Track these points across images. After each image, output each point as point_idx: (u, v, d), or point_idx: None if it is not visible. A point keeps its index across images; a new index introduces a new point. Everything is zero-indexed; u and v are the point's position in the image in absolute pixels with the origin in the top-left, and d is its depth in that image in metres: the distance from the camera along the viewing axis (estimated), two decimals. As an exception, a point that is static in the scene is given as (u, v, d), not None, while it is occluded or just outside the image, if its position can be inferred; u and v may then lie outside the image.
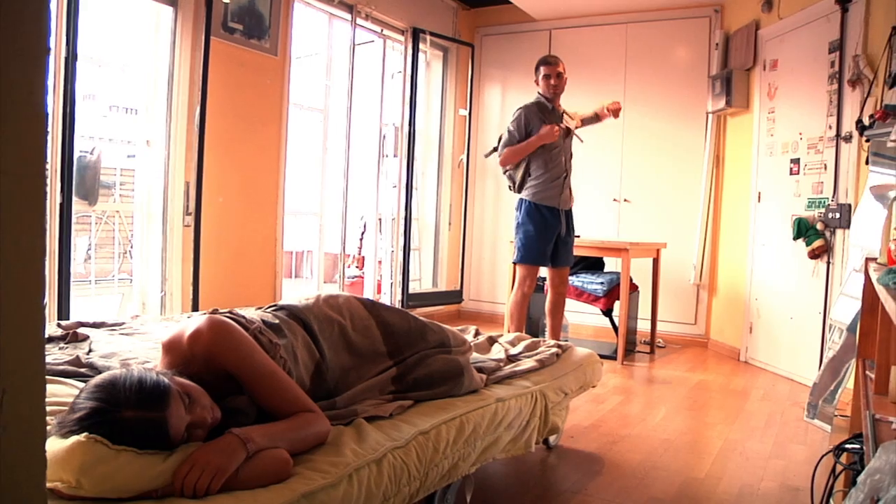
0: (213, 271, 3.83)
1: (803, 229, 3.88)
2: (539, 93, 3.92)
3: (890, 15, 3.24)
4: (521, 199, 3.90)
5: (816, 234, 3.80)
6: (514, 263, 3.97)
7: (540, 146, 3.80)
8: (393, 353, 1.89)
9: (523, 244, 3.88)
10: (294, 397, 1.45)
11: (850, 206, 3.57)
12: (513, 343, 2.65)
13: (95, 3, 3.45)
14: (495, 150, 4.00)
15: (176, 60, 3.71)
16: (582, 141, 3.98)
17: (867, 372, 2.04)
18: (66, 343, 2.10)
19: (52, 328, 2.24)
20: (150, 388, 1.20)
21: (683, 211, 5.17)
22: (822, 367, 3.16)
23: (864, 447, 1.47)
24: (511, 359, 2.39)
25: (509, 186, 4.03)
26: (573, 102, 5.61)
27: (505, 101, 5.97)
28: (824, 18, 3.90)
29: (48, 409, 1.34)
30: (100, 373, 1.53)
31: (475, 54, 5.95)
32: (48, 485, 1.06)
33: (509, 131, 3.86)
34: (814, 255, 3.82)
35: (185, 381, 1.29)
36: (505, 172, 4.02)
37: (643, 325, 4.90)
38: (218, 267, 3.88)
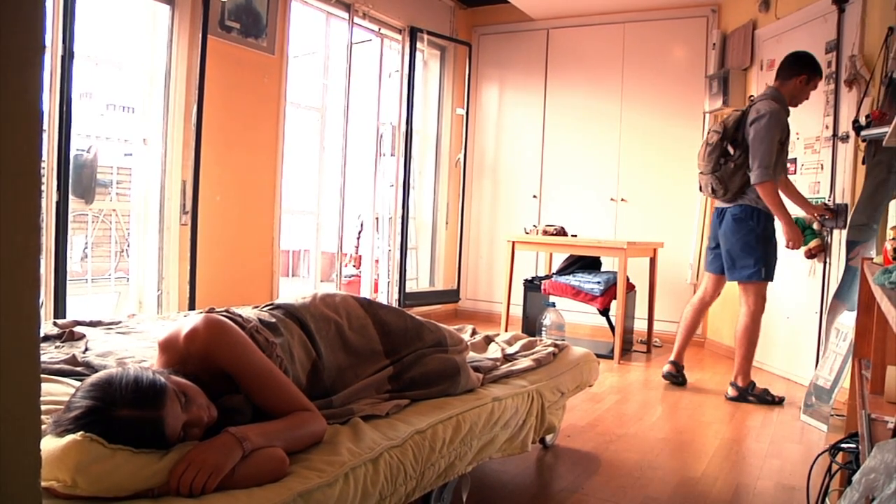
0: (210, 270, 3.83)
1: (800, 229, 3.88)
2: (783, 97, 3.42)
3: (886, 15, 3.24)
4: (753, 208, 3.44)
5: (813, 233, 3.80)
6: (759, 281, 3.48)
7: (779, 149, 3.36)
8: (389, 352, 1.88)
9: (768, 258, 3.46)
10: (290, 396, 1.45)
11: (846, 205, 3.58)
12: (509, 342, 2.65)
13: (92, 1, 3.44)
14: (727, 152, 3.45)
15: (173, 59, 3.70)
16: None
17: (863, 371, 2.05)
18: (62, 342, 2.10)
19: (48, 327, 2.23)
20: (146, 386, 1.20)
21: (680, 210, 5.17)
22: (830, 366, 3.16)
23: (860, 446, 1.47)
24: (508, 358, 2.39)
25: (713, 190, 3.52)
26: (571, 103, 5.63)
27: (502, 100, 5.97)
28: (821, 19, 3.90)
29: (44, 407, 1.34)
30: (96, 372, 1.53)
31: (472, 53, 5.95)
32: (44, 484, 1.06)
33: (763, 140, 3.30)
34: (810, 254, 3.83)
35: (182, 380, 1.29)
36: (714, 172, 3.48)
37: (640, 325, 4.91)
38: (215, 266, 3.87)
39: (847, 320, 3.07)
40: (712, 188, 3.54)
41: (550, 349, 2.51)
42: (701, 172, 3.62)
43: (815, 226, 3.78)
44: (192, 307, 3.64)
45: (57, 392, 1.54)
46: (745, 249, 3.49)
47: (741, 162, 3.42)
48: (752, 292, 3.52)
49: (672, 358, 3.89)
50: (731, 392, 3.59)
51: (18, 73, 0.62)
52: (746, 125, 3.41)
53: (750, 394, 3.56)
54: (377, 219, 5.48)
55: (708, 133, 3.60)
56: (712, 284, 3.81)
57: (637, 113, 5.35)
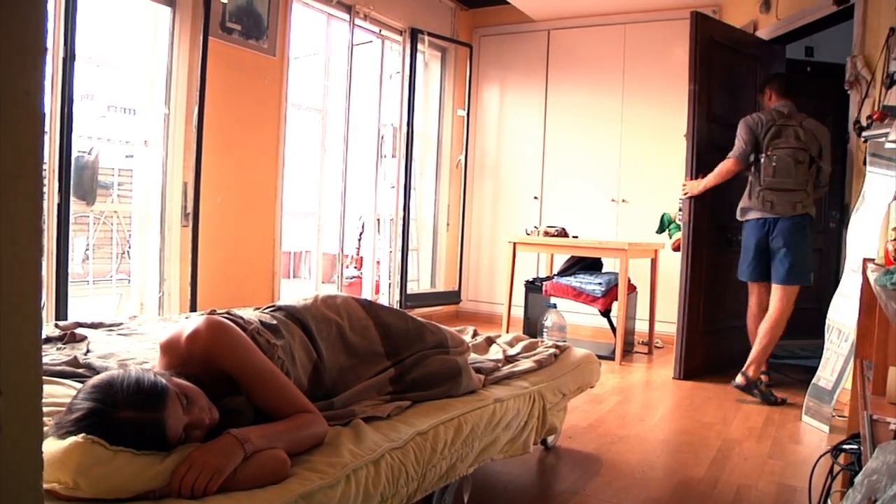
0: (212, 272, 3.83)
1: (665, 223, 4.09)
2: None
3: (888, 16, 3.24)
4: (811, 216, 3.65)
5: (678, 227, 4.13)
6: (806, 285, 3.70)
7: None
8: (391, 353, 1.88)
9: (810, 261, 3.73)
10: (292, 398, 1.45)
11: (847, 206, 3.57)
12: (511, 343, 2.65)
13: (93, 3, 3.44)
14: (819, 169, 3.64)
15: (174, 60, 3.71)
16: None
17: (865, 372, 2.05)
18: (63, 343, 2.10)
19: (49, 328, 2.23)
20: (147, 388, 1.20)
21: (681, 211, 5.17)
22: (832, 367, 3.16)
23: (862, 448, 1.47)
24: (509, 359, 2.39)
25: (803, 205, 3.58)
26: (572, 104, 5.63)
27: (503, 101, 5.98)
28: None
29: (45, 409, 1.34)
30: (97, 373, 1.53)
31: (473, 55, 5.95)
32: (45, 486, 1.06)
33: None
34: (676, 248, 4.14)
35: (183, 382, 1.29)
36: (806, 188, 3.59)
37: (641, 326, 4.90)
38: (216, 267, 3.88)
39: (849, 321, 3.07)
40: (802, 203, 3.57)
41: (552, 350, 2.50)
42: (785, 189, 3.58)
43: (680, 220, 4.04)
44: (193, 309, 3.64)
45: (58, 394, 1.54)
46: (809, 255, 3.67)
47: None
48: (793, 294, 3.64)
49: (752, 370, 3.71)
50: (740, 380, 3.62)
51: (20, 75, 0.62)
52: (822, 144, 3.61)
53: (756, 388, 3.59)
54: (378, 220, 5.48)
55: (788, 149, 3.58)
56: (765, 290, 3.80)
57: (638, 114, 5.35)
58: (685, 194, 4.00)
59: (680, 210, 4.06)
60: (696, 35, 3.96)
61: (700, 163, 3.99)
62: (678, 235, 4.12)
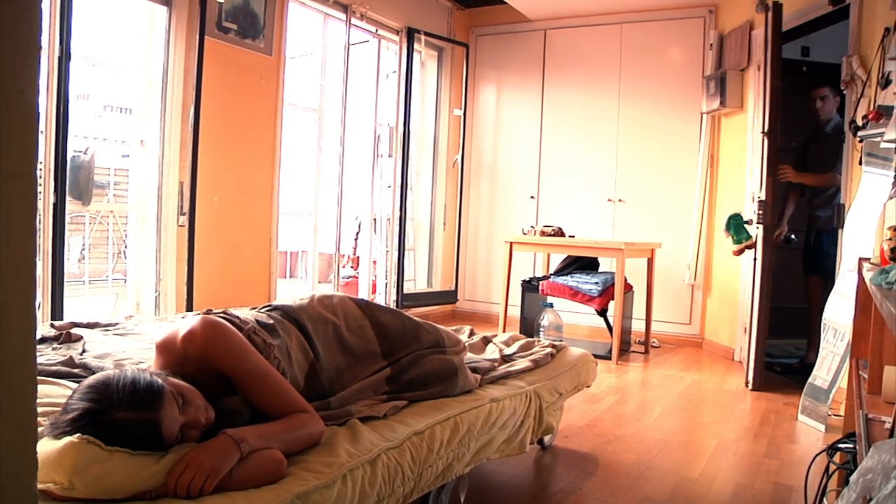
0: (208, 271, 3.82)
1: (743, 226, 4.13)
2: None
3: (883, 16, 3.25)
4: None
5: (748, 234, 4.08)
6: None
7: None
8: (387, 353, 1.88)
9: None
10: (288, 398, 1.45)
11: (843, 205, 3.58)
12: (507, 343, 2.65)
13: (89, 2, 3.43)
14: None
15: (170, 60, 3.70)
16: None
17: (860, 372, 2.05)
18: (59, 343, 2.09)
19: (45, 328, 2.23)
20: (143, 388, 1.19)
21: (678, 211, 5.18)
22: (828, 367, 3.17)
23: (857, 447, 1.48)
24: (505, 359, 2.39)
25: None
26: (568, 104, 5.63)
27: (500, 101, 5.98)
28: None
29: (41, 409, 1.34)
30: (93, 373, 1.53)
31: (470, 54, 5.96)
32: (40, 486, 1.06)
33: None
34: (740, 252, 4.12)
35: (179, 382, 1.29)
36: None
37: (638, 325, 4.91)
38: (212, 267, 3.87)
39: (844, 320, 3.08)
40: None
41: (548, 350, 2.51)
42: None
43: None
44: (189, 308, 3.64)
45: (54, 394, 1.54)
46: None
47: None
48: None
49: None
50: None
51: (15, 74, 0.62)
52: None
53: None
54: (375, 220, 5.48)
55: None
56: None
57: (634, 113, 5.36)
58: (784, 177, 4.11)
59: (757, 213, 3.90)
60: (774, 26, 3.77)
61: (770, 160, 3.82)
62: (751, 240, 3.99)
